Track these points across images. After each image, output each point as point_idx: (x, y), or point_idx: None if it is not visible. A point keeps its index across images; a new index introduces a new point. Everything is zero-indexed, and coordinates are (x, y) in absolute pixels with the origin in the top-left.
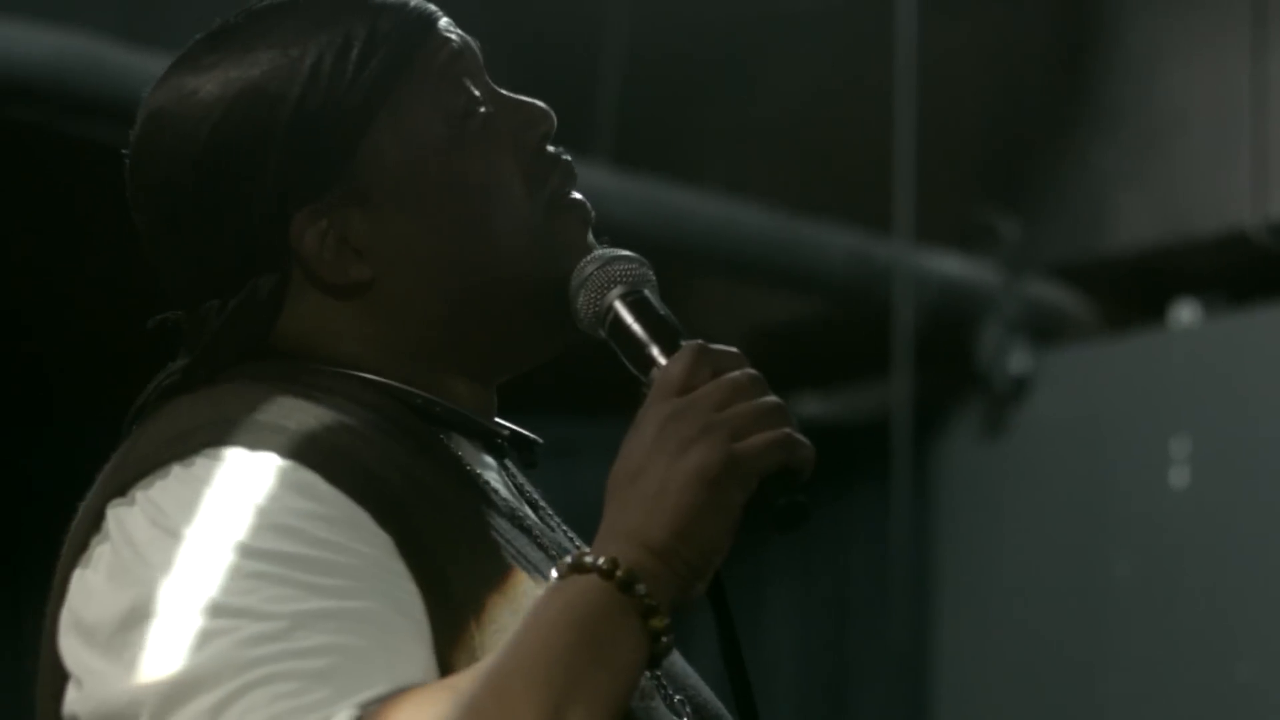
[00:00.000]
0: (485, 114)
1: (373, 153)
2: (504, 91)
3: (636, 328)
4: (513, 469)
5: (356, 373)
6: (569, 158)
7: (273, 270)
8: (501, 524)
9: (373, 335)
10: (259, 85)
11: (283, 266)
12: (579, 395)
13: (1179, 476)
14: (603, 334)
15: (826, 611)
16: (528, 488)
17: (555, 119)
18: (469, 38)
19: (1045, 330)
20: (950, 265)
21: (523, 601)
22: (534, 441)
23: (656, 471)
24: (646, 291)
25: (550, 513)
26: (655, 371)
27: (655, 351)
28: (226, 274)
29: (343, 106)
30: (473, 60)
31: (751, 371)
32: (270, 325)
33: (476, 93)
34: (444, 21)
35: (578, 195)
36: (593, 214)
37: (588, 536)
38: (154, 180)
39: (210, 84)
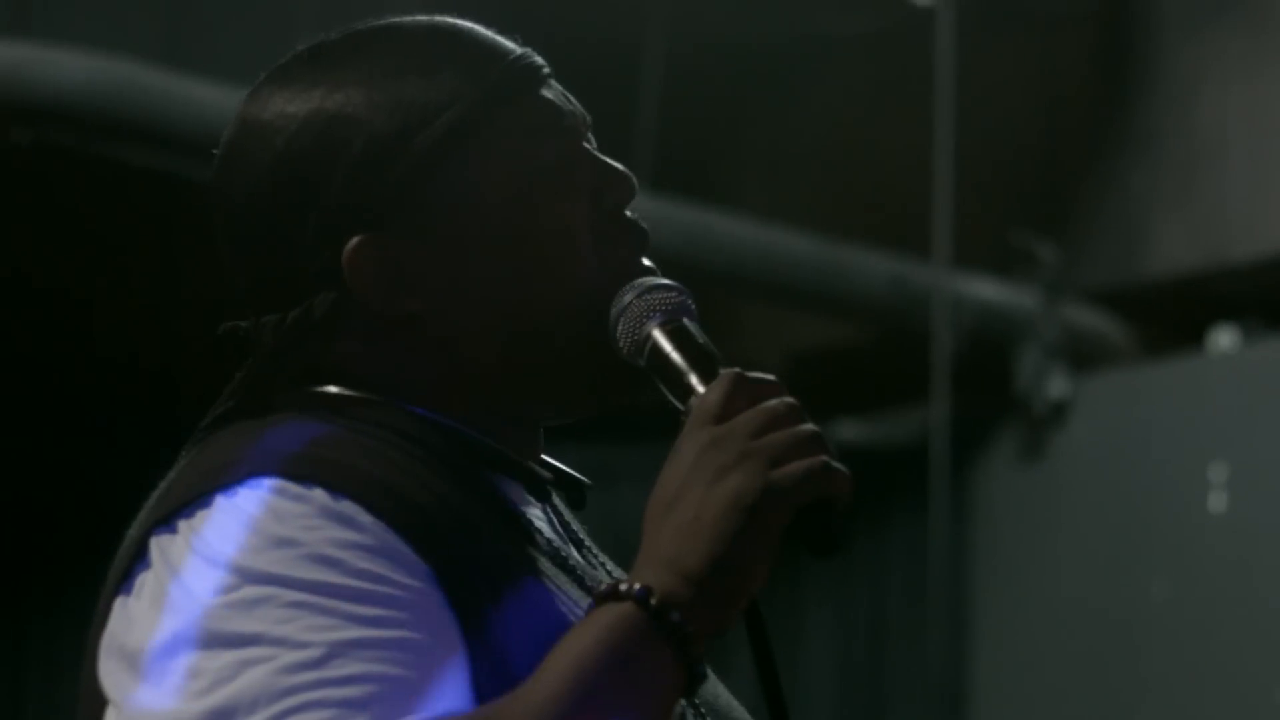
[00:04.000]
0: (566, 170)
1: (443, 192)
2: (595, 152)
3: (675, 356)
4: (560, 508)
5: (404, 406)
6: (645, 226)
7: (329, 292)
8: (543, 562)
9: (419, 369)
10: (339, 107)
11: (339, 289)
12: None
13: (1217, 501)
14: (641, 363)
15: (865, 635)
16: (574, 527)
17: (636, 186)
18: (577, 104)
19: (1084, 355)
20: (989, 290)
21: (559, 637)
22: (581, 482)
23: (693, 499)
24: (685, 320)
25: (595, 552)
26: (693, 400)
27: (693, 380)
28: (285, 287)
29: (417, 144)
30: (572, 120)
31: (789, 400)
32: (322, 349)
33: (564, 149)
34: (548, 76)
35: (648, 262)
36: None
37: (630, 567)
38: (231, 185)
39: (296, 99)
